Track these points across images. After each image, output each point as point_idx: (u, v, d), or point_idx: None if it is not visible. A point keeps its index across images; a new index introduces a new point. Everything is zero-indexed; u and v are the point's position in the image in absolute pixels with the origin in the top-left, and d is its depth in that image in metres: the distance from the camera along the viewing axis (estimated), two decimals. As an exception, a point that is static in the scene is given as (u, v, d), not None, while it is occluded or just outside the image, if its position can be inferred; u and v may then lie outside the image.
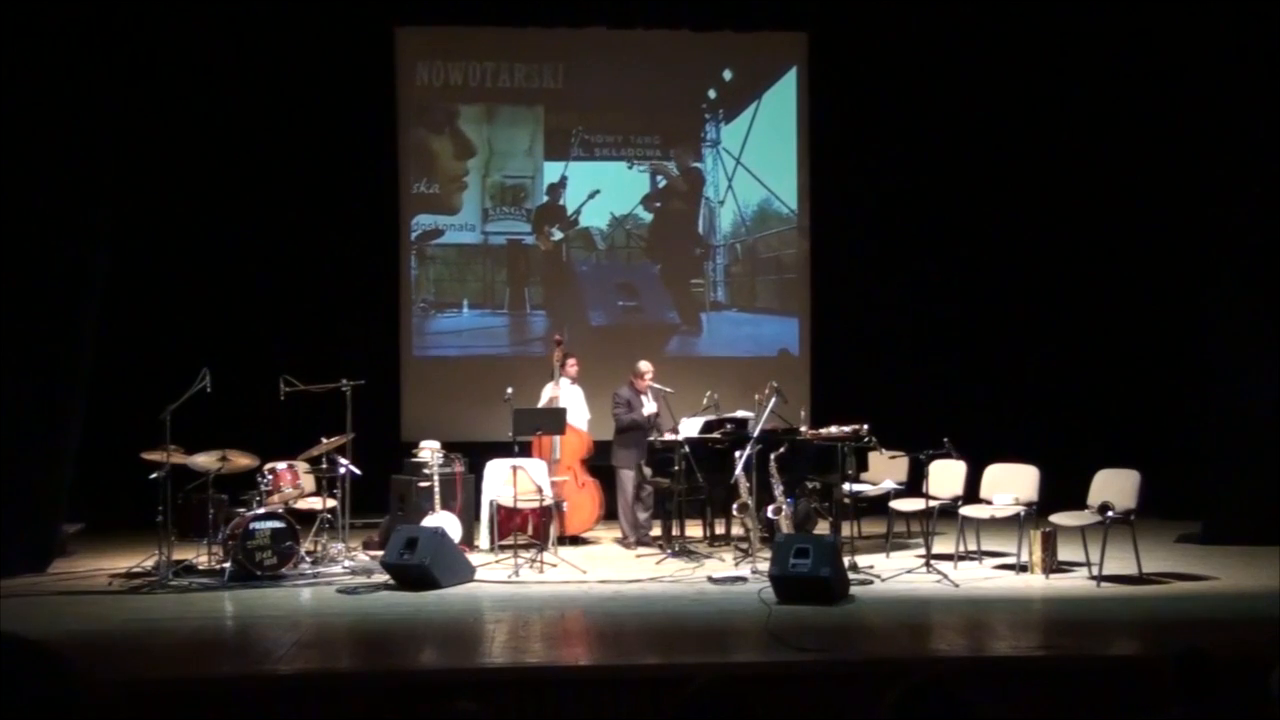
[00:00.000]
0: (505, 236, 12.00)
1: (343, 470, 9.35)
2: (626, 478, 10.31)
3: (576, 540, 10.41)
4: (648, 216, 12.36)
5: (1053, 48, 11.95)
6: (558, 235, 12.12)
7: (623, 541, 10.37)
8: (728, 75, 12.32)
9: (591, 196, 12.08)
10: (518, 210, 11.94)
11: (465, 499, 10.09)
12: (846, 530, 9.79)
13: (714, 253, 12.43)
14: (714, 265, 12.39)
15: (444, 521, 9.30)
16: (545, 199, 12.16)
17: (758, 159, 12.51)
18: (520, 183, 11.91)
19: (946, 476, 9.36)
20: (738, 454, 9.28)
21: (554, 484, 10.09)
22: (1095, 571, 8.54)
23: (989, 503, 9.16)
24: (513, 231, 11.99)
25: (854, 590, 8.11)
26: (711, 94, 12.35)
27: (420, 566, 8.32)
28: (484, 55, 11.87)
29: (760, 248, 12.63)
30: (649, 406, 10.33)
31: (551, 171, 12.10)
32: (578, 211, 12.21)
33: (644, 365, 10.48)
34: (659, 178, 12.41)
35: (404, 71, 12.27)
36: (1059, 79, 12.02)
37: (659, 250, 12.50)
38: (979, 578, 8.75)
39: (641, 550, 10.08)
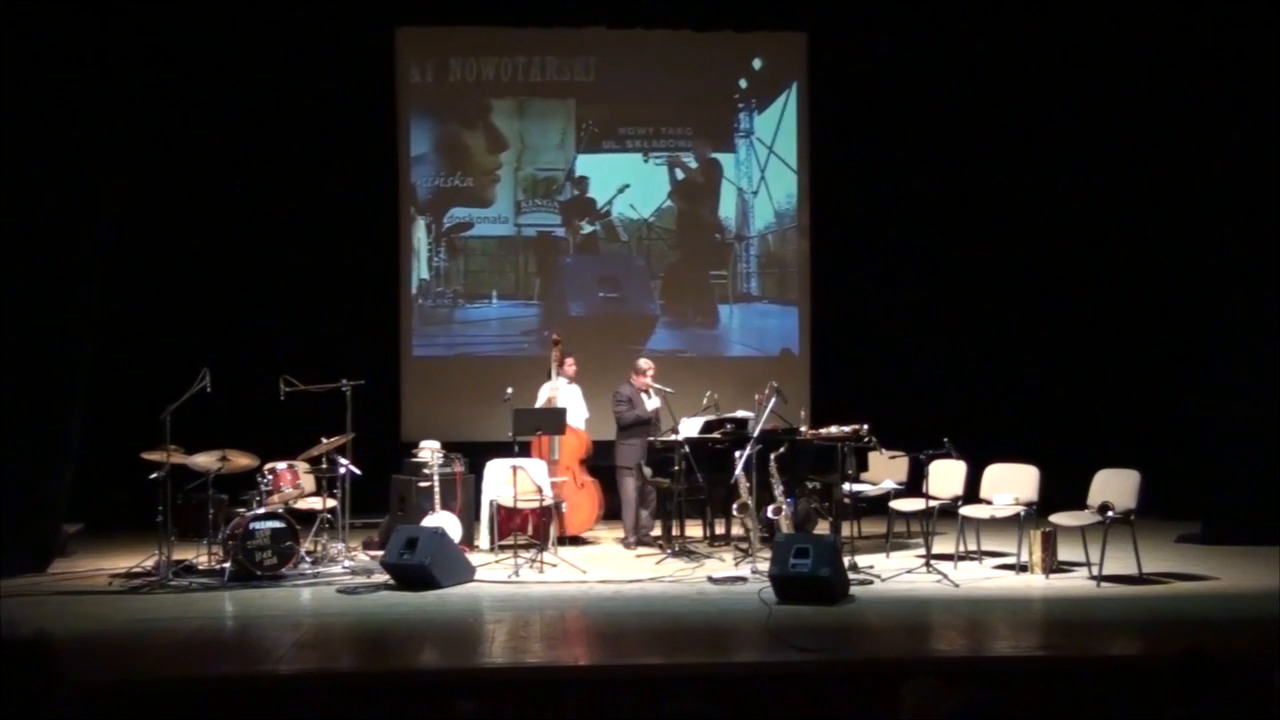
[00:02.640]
0: (536, 229, 12.13)
1: (343, 470, 9.35)
2: (629, 478, 10.31)
3: (576, 540, 10.41)
4: (673, 208, 12.40)
5: (1054, 48, 11.95)
6: (587, 229, 12.21)
7: (624, 541, 10.37)
8: (757, 64, 12.34)
9: (621, 191, 12.20)
10: (549, 203, 12.10)
11: (465, 499, 10.09)
12: (846, 530, 9.79)
13: (748, 243, 12.44)
14: (746, 256, 12.37)
15: (444, 521, 9.30)
16: (575, 192, 12.28)
17: (789, 149, 12.60)
18: (552, 175, 12.05)
19: (946, 476, 9.36)
20: (738, 454, 9.28)
21: (553, 484, 10.08)
22: (1095, 571, 8.54)
23: (989, 503, 9.16)
24: (544, 224, 12.13)
25: (854, 590, 8.11)
26: (743, 83, 12.39)
27: (420, 566, 8.32)
28: (515, 50, 11.96)
29: (791, 238, 12.69)
30: (652, 403, 10.33)
31: (582, 164, 12.20)
32: (608, 204, 12.33)
33: (644, 363, 10.48)
34: (676, 170, 12.46)
35: (403, 70, 12.34)
36: (1060, 78, 12.02)
37: (681, 242, 12.53)
38: (979, 578, 8.75)
39: (641, 550, 10.08)
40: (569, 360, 10.68)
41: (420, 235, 12.15)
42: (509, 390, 9.88)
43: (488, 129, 12.13)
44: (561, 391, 10.56)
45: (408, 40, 12.37)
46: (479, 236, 12.21)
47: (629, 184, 12.19)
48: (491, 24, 12.27)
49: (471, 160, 12.12)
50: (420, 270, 12.21)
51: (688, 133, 12.36)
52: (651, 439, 10.25)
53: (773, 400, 9.44)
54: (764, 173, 12.41)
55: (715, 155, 12.39)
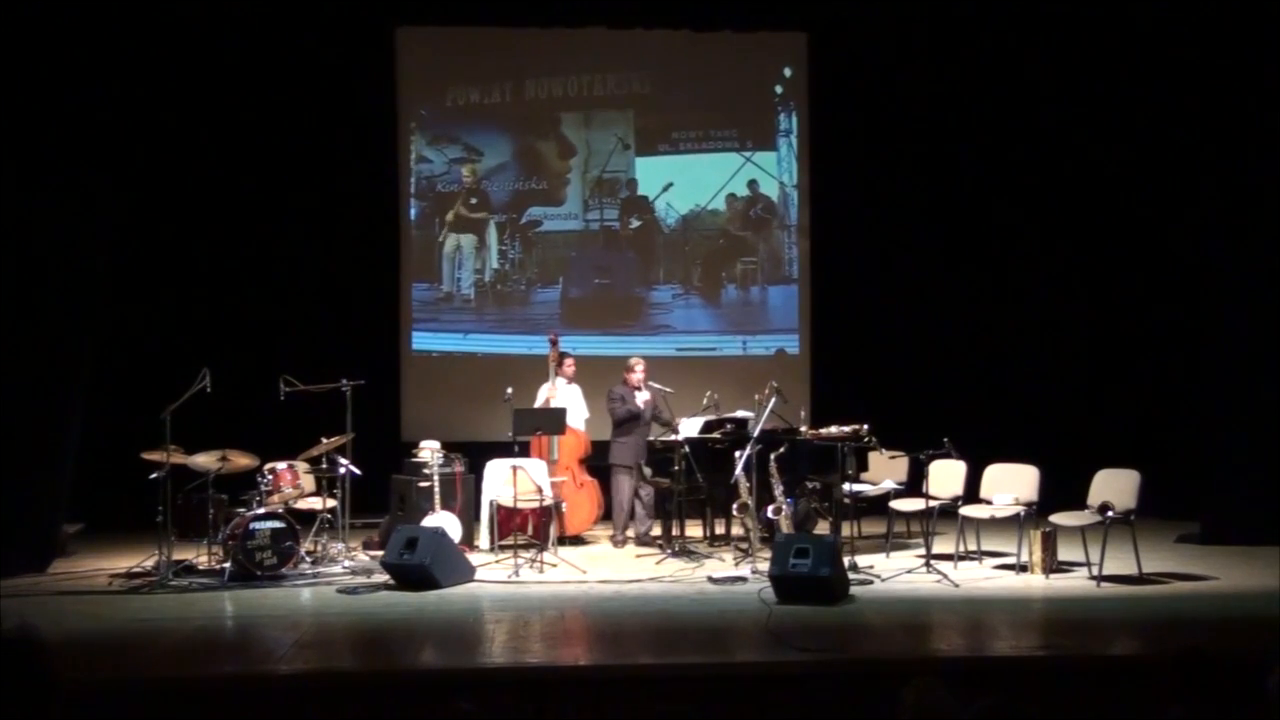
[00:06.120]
0: (600, 223, 12.99)
1: (343, 470, 9.35)
2: (623, 476, 10.31)
3: (576, 540, 10.41)
4: (720, 205, 13.00)
5: (1055, 49, 11.97)
6: (636, 223, 13.02)
7: (612, 539, 10.38)
8: (788, 72, 12.90)
9: (666, 189, 12.89)
10: (613, 200, 13.03)
11: (465, 499, 10.09)
12: (846, 530, 9.80)
13: (790, 232, 12.98)
14: (788, 245, 12.99)
15: (444, 521, 9.30)
16: (629, 192, 12.99)
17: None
18: (615, 176, 13.00)
19: (946, 476, 9.36)
20: (738, 454, 9.28)
21: (553, 484, 10.08)
22: (1095, 571, 8.54)
23: (989, 503, 9.16)
24: (607, 219, 13.02)
25: (854, 590, 8.12)
26: (779, 89, 12.97)
27: (420, 566, 8.32)
28: (582, 69, 12.83)
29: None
30: (642, 396, 10.32)
31: (641, 166, 12.97)
32: (655, 199, 12.98)
33: (633, 361, 10.50)
34: (733, 168, 12.93)
35: (402, 73, 12.45)
36: (1060, 78, 12.03)
37: (725, 235, 13.00)
38: (979, 578, 8.75)
39: (641, 550, 10.08)
40: (568, 360, 10.70)
41: (492, 232, 12.90)
42: (509, 390, 9.89)
43: (559, 138, 12.98)
44: (560, 391, 10.57)
45: (407, 40, 12.43)
46: (551, 231, 12.98)
47: (672, 182, 12.91)
48: (492, 24, 12.35)
49: (546, 165, 12.96)
50: (492, 261, 12.85)
51: (733, 134, 12.97)
52: (651, 439, 10.26)
53: (773, 400, 9.44)
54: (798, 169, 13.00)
55: (766, 153, 12.97)
